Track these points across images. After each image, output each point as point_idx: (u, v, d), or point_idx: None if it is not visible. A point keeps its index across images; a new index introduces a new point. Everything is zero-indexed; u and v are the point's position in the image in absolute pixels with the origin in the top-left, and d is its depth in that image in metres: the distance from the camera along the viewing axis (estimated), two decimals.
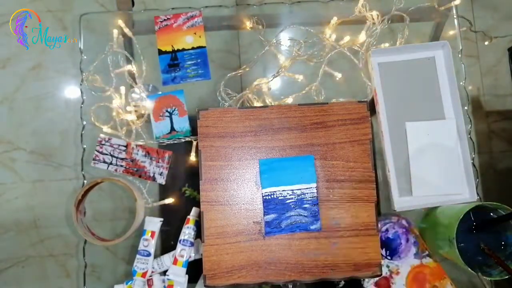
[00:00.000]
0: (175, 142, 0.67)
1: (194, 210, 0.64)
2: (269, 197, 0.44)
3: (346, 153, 0.45)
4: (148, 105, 0.67)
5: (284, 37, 0.69)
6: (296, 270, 0.43)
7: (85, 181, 0.66)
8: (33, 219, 1.21)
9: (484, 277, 0.55)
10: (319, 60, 0.68)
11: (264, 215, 0.43)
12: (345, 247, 0.44)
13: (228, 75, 0.67)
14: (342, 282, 0.61)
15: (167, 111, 0.67)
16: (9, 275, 1.20)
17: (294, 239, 0.43)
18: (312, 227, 0.43)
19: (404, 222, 0.61)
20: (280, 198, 0.44)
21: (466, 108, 0.66)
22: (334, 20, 0.68)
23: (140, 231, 0.64)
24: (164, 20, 0.69)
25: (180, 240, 0.62)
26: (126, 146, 0.66)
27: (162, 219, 0.64)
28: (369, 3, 0.67)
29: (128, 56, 0.68)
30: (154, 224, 0.64)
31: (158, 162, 0.66)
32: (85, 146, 0.66)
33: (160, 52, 0.69)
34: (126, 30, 0.68)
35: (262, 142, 0.45)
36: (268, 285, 0.57)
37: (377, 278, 0.53)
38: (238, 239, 0.43)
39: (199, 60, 0.69)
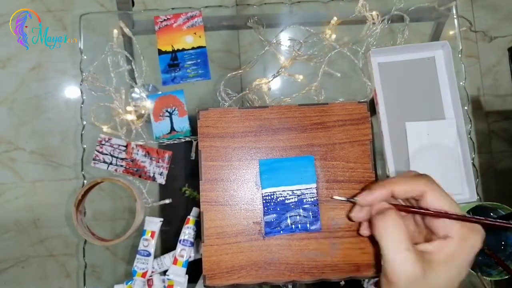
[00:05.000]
0: (175, 142, 0.67)
1: (194, 210, 0.64)
2: (269, 198, 0.44)
3: (346, 154, 0.45)
4: (148, 105, 0.67)
5: (284, 37, 0.69)
6: (296, 271, 0.43)
7: (85, 181, 0.66)
8: (33, 219, 1.21)
9: (484, 277, 0.55)
10: (319, 60, 0.68)
11: (264, 216, 0.43)
12: (345, 248, 0.44)
13: (228, 75, 0.67)
14: (343, 282, 0.61)
15: (167, 111, 0.67)
16: (9, 275, 1.20)
17: (294, 240, 0.43)
18: (312, 227, 0.43)
19: None
20: (280, 198, 0.44)
21: (466, 108, 0.66)
22: (334, 20, 0.68)
23: (140, 231, 0.64)
24: (164, 20, 0.69)
25: (180, 240, 0.62)
26: (126, 146, 0.66)
27: (162, 219, 0.64)
28: (369, 3, 0.67)
29: (128, 56, 0.68)
30: (154, 224, 0.64)
31: (158, 162, 0.66)
32: (85, 146, 0.66)
33: (160, 52, 0.69)
34: (126, 30, 0.68)
35: (262, 142, 0.45)
36: (268, 285, 0.57)
37: (377, 279, 0.53)
38: (238, 239, 0.43)
39: (199, 60, 0.69)
